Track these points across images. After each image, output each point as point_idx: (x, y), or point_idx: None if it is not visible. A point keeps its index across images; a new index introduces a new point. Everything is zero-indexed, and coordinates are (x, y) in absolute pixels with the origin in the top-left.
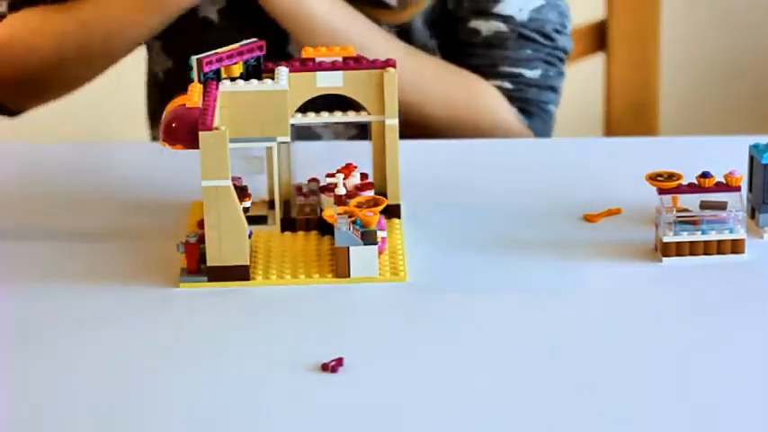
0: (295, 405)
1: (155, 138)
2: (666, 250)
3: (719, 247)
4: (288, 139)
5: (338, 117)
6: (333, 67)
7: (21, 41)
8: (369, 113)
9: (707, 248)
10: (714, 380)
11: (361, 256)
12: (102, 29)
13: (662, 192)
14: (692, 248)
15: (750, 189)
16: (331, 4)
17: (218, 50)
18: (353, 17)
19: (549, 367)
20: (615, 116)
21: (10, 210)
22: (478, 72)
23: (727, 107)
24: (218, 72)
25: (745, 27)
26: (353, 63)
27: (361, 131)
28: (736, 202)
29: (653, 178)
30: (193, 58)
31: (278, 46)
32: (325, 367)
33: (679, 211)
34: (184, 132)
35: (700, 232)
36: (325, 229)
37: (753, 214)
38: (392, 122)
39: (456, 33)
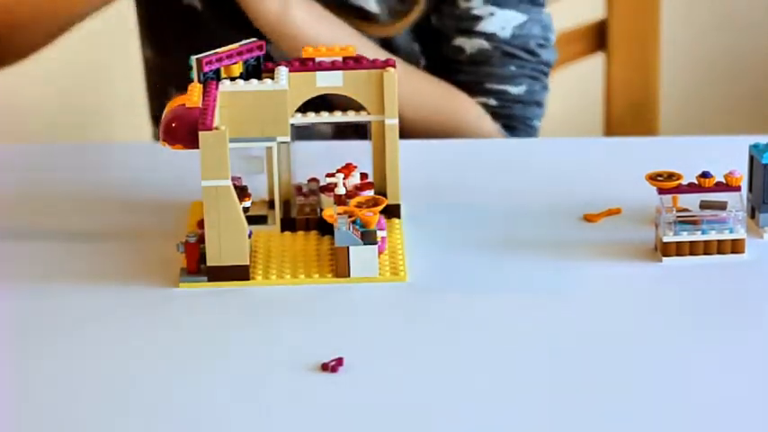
0: (295, 405)
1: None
2: (666, 250)
3: (719, 247)
4: (288, 138)
5: (338, 117)
6: (333, 66)
7: None
8: (368, 113)
9: (707, 248)
10: (714, 380)
11: (360, 256)
12: None
13: (662, 192)
14: (692, 248)
15: (750, 189)
16: (318, 17)
17: (218, 50)
18: (341, 29)
19: (549, 367)
20: (615, 116)
21: (10, 210)
22: (465, 89)
23: (727, 107)
24: (217, 72)
25: (746, 27)
26: (353, 63)
27: (350, 130)
28: (736, 201)
29: (653, 178)
30: (193, 58)
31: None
32: (325, 367)
33: (679, 210)
34: (184, 132)
35: (700, 232)
36: (325, 228)
37: (753, 214)
38: (392, 122)
39: (441, 50)
